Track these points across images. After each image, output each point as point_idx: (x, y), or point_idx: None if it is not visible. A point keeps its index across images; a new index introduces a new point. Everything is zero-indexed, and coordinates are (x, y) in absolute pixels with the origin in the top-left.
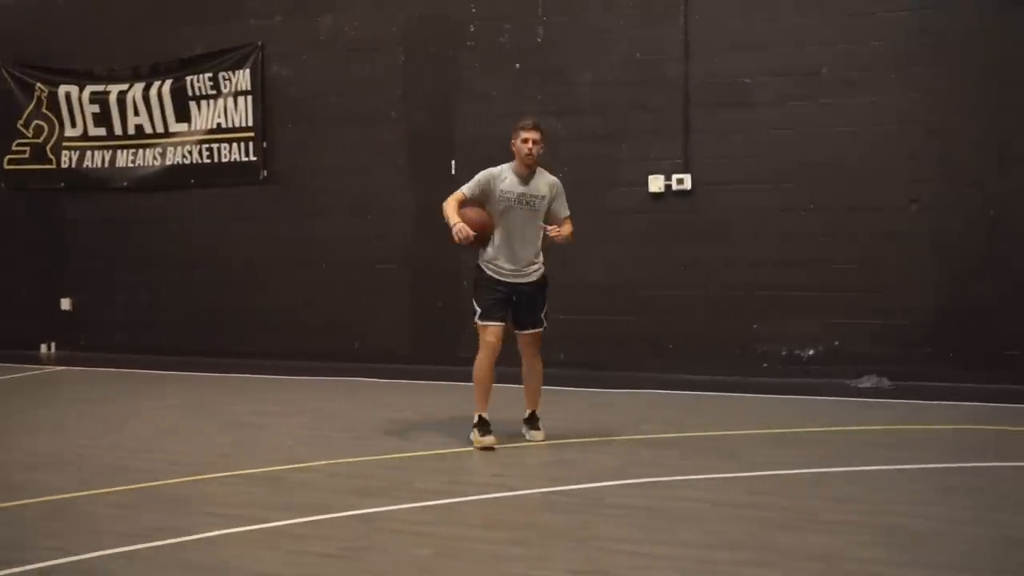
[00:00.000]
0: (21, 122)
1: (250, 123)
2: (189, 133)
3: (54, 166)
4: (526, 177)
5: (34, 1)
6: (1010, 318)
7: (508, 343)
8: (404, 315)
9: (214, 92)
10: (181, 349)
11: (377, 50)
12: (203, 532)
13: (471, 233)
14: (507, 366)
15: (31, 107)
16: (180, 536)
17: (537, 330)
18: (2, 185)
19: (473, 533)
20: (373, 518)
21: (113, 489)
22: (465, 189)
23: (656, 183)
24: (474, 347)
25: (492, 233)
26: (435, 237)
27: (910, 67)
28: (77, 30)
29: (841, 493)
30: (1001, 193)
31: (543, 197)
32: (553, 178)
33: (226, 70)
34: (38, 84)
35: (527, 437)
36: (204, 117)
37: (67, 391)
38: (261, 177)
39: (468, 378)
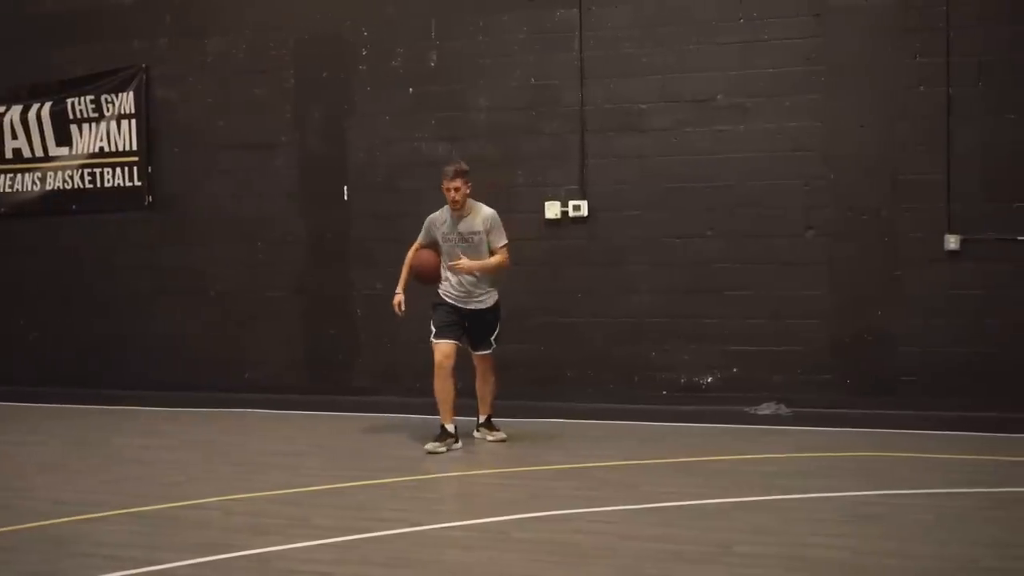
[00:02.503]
0: None
1: (134, 147)
2: (70, 157)
3: None
4: (460, 217)
5: None
6: (906, 344)
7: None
8: (296, 344)
9: (96, 115)
10: (63, 381)
11: (266, 73)
12: None
13: (399, 314)
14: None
15: None
16: None
17: (487, 351)
18: None
19: (376, 572)
20: (269, 558)
21: None
22: (419, 238)
23: (552, 209)
24: (369, 376)
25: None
26: (327, 264)
27: (803, 94)
28: None
29: (751, 524)
30: (895, 219)
31: (479, 232)
32: (489, 211)
33: (109, 92)
34: None
35: (486, 439)
36: (86, 141)
37: None
38: (146, 203)
39: (362, 408)
